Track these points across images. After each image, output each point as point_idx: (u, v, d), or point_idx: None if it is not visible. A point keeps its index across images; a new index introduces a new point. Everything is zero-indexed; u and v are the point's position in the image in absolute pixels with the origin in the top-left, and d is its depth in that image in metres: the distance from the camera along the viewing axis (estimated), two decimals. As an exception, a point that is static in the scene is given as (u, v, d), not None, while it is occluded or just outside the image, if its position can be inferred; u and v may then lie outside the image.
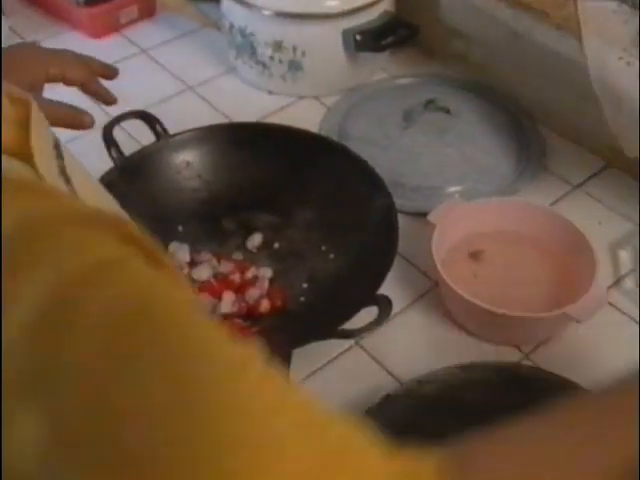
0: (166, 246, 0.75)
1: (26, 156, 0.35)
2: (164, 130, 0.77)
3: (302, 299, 0.72)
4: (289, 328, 0.68)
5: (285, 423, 0.29)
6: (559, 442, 0.37)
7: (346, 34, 0.93)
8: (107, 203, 0.46)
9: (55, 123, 0.57)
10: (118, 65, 1.02)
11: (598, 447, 0.36)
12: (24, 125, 0.36)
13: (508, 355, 0.69)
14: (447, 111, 0.92)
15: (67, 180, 0.39)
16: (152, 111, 0.80)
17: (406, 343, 0.72)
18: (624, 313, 0.72)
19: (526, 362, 0.68)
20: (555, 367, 0.64)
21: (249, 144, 0.79)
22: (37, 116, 0.38)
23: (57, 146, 0.40)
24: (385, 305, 0.62)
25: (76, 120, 0.63)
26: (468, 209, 0.77)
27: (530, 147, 0.90)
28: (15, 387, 0.27)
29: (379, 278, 0.65)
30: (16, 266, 0.28)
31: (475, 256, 0.75)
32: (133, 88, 0.99)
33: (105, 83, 1.03)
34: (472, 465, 0.35)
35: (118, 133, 0.78)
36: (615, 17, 0.77)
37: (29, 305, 0.27)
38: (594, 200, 0.84)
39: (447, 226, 0.75)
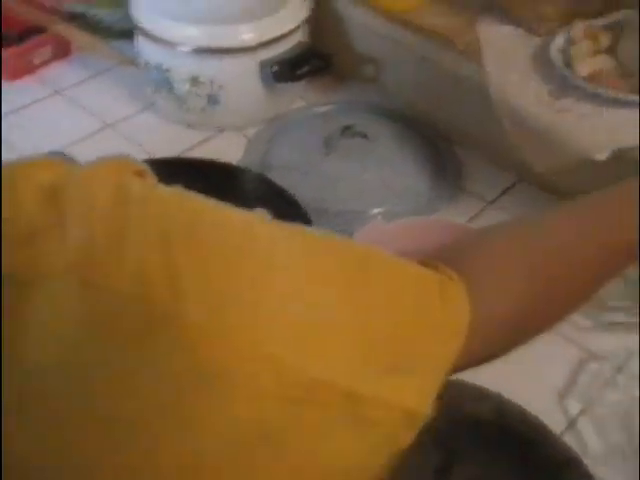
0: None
1: None
2: (82, 170, 0.77)
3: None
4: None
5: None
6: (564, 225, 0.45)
7: (263, 66, 0.95)
8: None
9: None
10: (34, 106, 1.02)
11: (600, 229, 0.44)
12: None
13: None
14: (365, 136, 0.94)
15: None
16: (72, 150, 0.79)
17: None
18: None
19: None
20: (477, 377, 0.65)
21: (169, 180, 0.79)
22: None
23: None
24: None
25: None
26: (389, 230, 0.79)
27: (446, 167, 0.94)
28: None
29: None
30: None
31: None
32: (50, 128, 0.98)
33: (22, 125, 1.03)
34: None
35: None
36: (512, 40, 0.81)
37: None
38: (508, 214, 0.87)
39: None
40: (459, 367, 0.39)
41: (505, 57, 0.80)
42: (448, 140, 0.96)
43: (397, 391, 0.34)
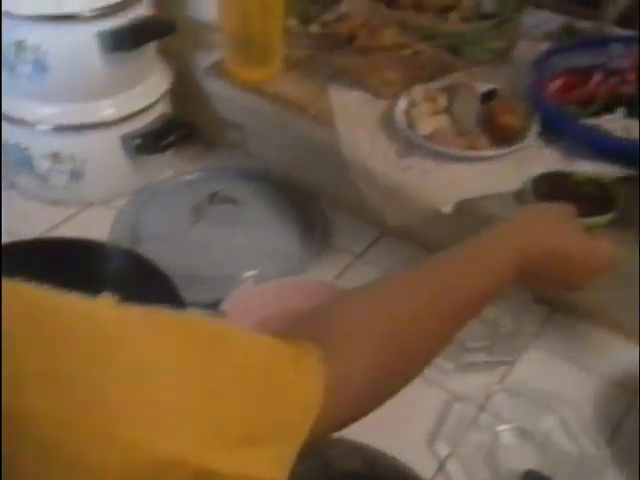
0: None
1: None
2: None
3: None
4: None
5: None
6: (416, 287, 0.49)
7: (124, 139, 0.95)
8: None
9: None
10: None
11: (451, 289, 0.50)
12: None
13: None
14: (233, 201, 0.96)
15: None
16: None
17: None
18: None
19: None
20: (349, 431, 0.67)
21: (32, 262, 0.78)
22: None
23: None
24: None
25: None
26: (259, 293, 0.81)
27: (314, 225, 0.97)
28: None
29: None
30: None
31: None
32: None
33: None
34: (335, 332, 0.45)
35: None
36: (361, 105, 0.87)
37: None
38: (375, 266, 0.91)
39: (240, 313, 0.77)
40: (320, 433, 0.41)
41: (355, 120, 0.84)
42: (315, 199, 1.00)
43: (252, 464, 0.35)
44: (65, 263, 0.78)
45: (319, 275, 0.88)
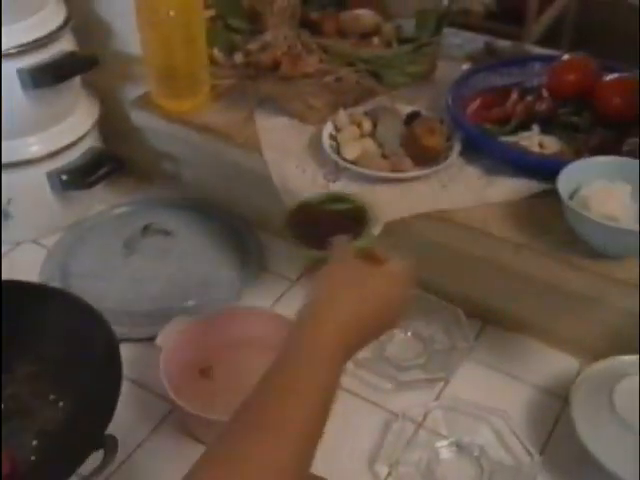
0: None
1: None
2: None
3: (33, 458, 0.69)
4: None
5: None
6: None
7: (51, 176, 0.94)
8: None
9: None
10: None
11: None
12: None
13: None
14: (166, 232, 0.96)
15: None
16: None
17: (155, 471, 0.72)
18: (348, 391, 0.78)
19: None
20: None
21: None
22: None
23: None
24: (111, 446, 0.62)
25: None
26: (193, 326, 0.80)
27: (250, 252, 0.97)
28: None
29: (106, 417, 0.65)
30: None
31: (205, 372, 0.78)
32: None
33: None
34: None
35: None
36: (288, 130, 0.87)
37: None
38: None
39: (176, 347, 0.77)
40: None
41: (282, 146, 0.85)
42: (249, 226, 1.00)
43: None
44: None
45: (256, 302, 0.88)
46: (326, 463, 0.65)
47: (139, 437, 0.75)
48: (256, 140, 0.86)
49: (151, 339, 0.83)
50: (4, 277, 0.82)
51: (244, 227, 1.01)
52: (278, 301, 0.90)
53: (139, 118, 0.95)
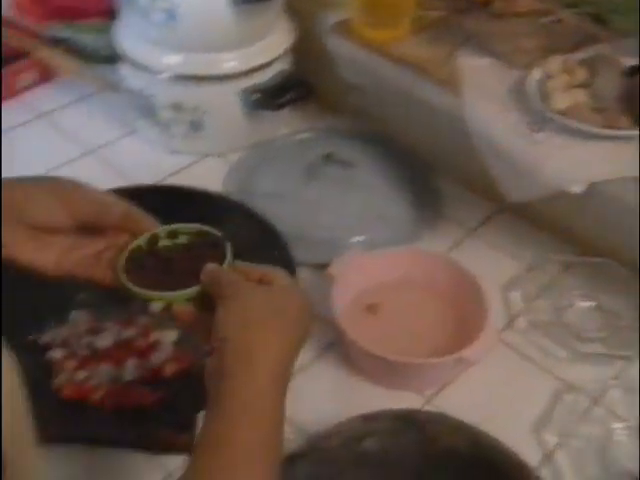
0: (67, 314, 0.74)
1: None
2: (61, 196, 0.76)
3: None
4: (194, 391, 0.67)
5: None
6: None
7: (243, 94, 0.95)
8: None
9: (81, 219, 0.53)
10: (16, 130, 1.02)
11: None
12: None
13: (412, 401, 0.70)
14: (346, 164, 0.95)
15: None
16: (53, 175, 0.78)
17: (313, 396, 0.72)
18: (518, 352, 0.75)
19: (428, 407, 0.70)
20: (455, 409, 0.66)
21: (149, 207, 0.79)
22: None
23: None
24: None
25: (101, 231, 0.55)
26: (367, 260, 0.79)
27: (427, 194, 0.94)
28: None
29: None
30: None
31: (372, 309, 0.77)
32: (33, 153, 0.98)
33: (4, 147, 1.02)
34: None
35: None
36: (491, 73, 0.82)
37: None
38: (487, 243, 0.88)
39: (347, 278, 0.77)
40: None
41: (483, 89, 0.80)
42: (430, 168, 0.97)
43: None
44: (180, 212, 0.79)
45: (431, 246, 0.86)
46: (490, 419, 0.63)
47: (302, 361, 0.75)
48: (455, 79, 0.82)
49: (320, 266, 0.84)
50: (190, 186, 0.85)
51: (424, 169, 0.97)
52: (453, 248, 0.87)
53: (336, 45, 0.93)
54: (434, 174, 0.97)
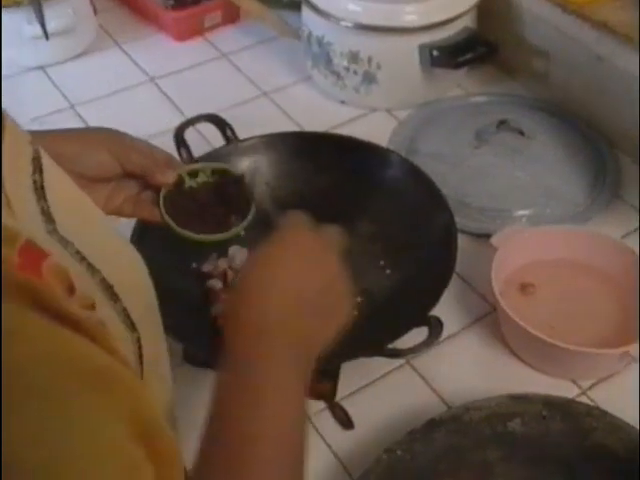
0: (225, 250, 0.76)
1: None
2: (234, 135, 0.79)
3: (355, 312, 0.71)
4: (339, 340, 0.68)
5: None
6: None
7: (422, 49, 0.92)
8: (92, 225, 0.43)
9: (132, 169, 0.58)
10: (199, 67, 1.06)
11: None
12: None
13: (564, 389, 0.66)
14: (521, 132, 0.90)
15: (43, 197, 0.38)
16: (227, 114, 0.80)
17: (457, 366, 0.70)
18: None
19: (582, 399, 0.65)
20: (613, 407, 0.61)
21: (315, 154, 0.80)
22: (12, 128, 0.37)
23: (36, 160, 0.39)
24: (436, 328, 0.61)
25: (150, 176, 0.59)
26: (534, 235, 0.75)
27: (606, 174, 0.87)
28: None
29: (433, 298, 0.64)
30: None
31: (529, 287, 0.73)
32: (212, 91, 1.02)
33: (185, 83, 1.07)
34: None
35: (190, 134, 0.79)
36: None
37: None
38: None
39: (510, 251, 0.73)
40: None
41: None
42: (611, 145, 0.90)
43: None
44: (347, 161, 0.79)
45: (603, 230, 0.79)
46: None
47: (450, 330, 0.73)
48: (662, 49, 0.74)
49: (478, 236, 0.80)
50: (361, 138, 0.84)
51: (605, 146, 0.90)
52: (627, 235, 0.81)
53: (527, 3, 0.88)
54: (615, 152, 0.89)
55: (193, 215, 0.60)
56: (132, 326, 0.38)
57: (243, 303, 0.44)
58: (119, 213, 0.59)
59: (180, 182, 0.60)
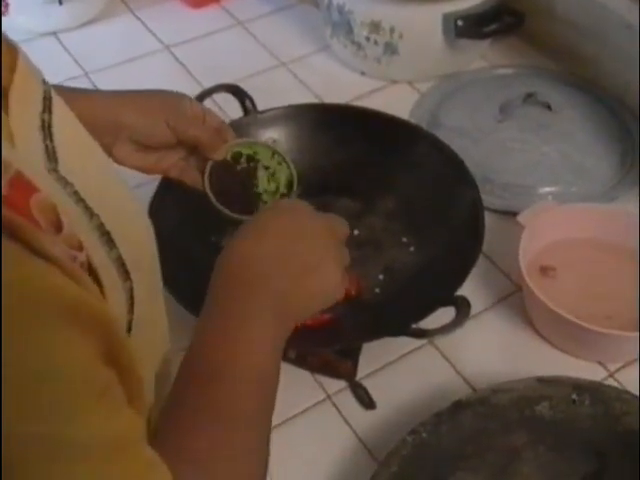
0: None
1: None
2: (253, 106, 0.76)
3: (377, 290, 0.69)
4: (361, 319, 0.66)
5: None
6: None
7: (446, 18, 0.89)
8: (97, 171, 0.43)
9: (186, 139, 0.60)
10: (214, 36, 1.03)
11: None
12: (11, 71, 0.36)
13: (591, 372, 0.64)
14: (547, 106, 0.87)
15: (49, 136, 0.38)
16: (243, 84, 0.77)
17: (482, 347, 0.69)
18: None
19: (610, 382, 0.64)
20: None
21: (336, 126, 0.77)
22: (24, 65, 0.38)
23: (46, 99, 0.39)
24: (463, 308, 0.59)
25: (202, 149, 0.61)
26: (562, 213, 0.73)
27: (635, 151, 0.85)
28: None
29: (460, 278, 0.62)
30: None
31: (545, 270, 0.71)
32: (228, 60, 0.99)
33: (201, 52, 1.04)
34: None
35: (208, 104, 0.77)
36: None
37: None
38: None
39: (537, 229, 0.71)
40: None
41: None
42: (640, 124, 0.87)
43: None
44: (369, 134, 0.76)
45: (630, 208, 0.77)
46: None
47: (473, 310, 0.71)
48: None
49: (502, 212, 0.78)
50: (382, 111, 0.81)
51: (634, 123, 0.87)
52: (656, 215, 0.78)
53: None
54: (646, 131, 0.86)
55: (233, 193, 0.62)
56: (126, 274, 0.37)
57: (233, 253, 0.45)
58: (165, 174, 0.63)
59: (236, 158, 0.63)
